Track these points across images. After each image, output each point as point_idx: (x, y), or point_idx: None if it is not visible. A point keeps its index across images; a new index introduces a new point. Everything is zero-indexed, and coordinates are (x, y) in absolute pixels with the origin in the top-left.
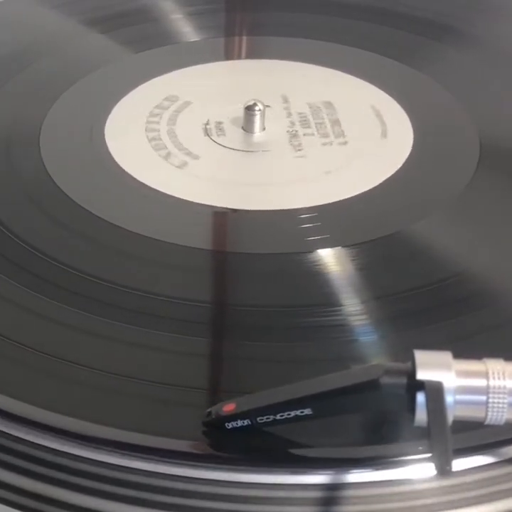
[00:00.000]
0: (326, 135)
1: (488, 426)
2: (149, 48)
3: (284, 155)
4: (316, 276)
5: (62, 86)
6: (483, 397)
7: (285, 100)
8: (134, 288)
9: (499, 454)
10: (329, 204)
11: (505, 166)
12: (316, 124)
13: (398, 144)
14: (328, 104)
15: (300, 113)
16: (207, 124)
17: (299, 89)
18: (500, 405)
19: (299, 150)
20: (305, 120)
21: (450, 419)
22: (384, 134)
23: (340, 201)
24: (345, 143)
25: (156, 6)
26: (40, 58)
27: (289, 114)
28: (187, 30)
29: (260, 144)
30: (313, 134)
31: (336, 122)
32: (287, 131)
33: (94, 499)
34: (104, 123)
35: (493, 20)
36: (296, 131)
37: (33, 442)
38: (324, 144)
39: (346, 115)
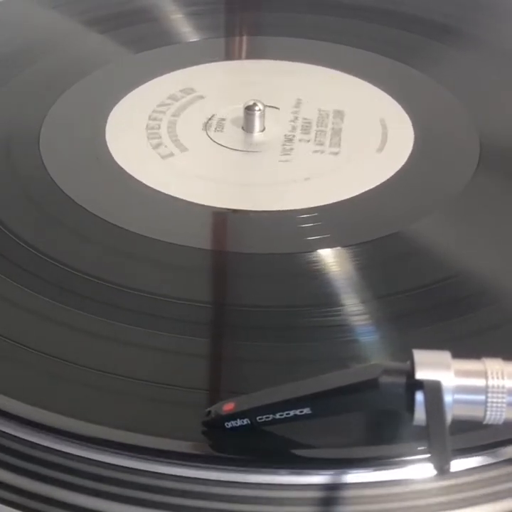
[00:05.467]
0: (321, 143)
1: (487, 425)
2: (151, 48)
3: (270, 157)
4: (316, 276)
5: (62, 86)
6: (482, 397)
7: (297, 104)
8: (134, 288)
9: (499, 454)
10: (329, 204)
11: (505, 166)
12: (316, 131)
13: (397, 151)
14: (339, 113)
15: (305, 118)
16: (209, 120)
17: (313, 93)
18: (499, 405)
19: (287, 154)
20: (308, 126)
21: (449, 418)
22: (380, 149)
23: (340, 201)
24: (337, 153)
25: (156, 5)
26: (40, 58)
27: (295, 119)
28: (187, 30)
29: (253, 144)
30: (308, 141)
31: (337, 132)
32: (285, 135)
33: (93, 499)
34: (105, 123)
35: (493, 20)
36: (294, 135)
37: (32, 442)
38: (315, 152)
39: (352, 126)
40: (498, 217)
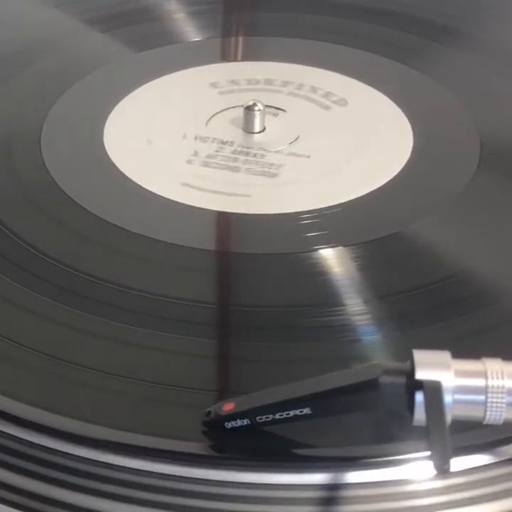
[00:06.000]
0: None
1: (487, 425)
2: (152, 48)
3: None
4: (317, 277)
5: (63, 85)
6: (482, 397)
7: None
8: (134, 288)
9: (499, 454)
10: (330, 205)
11: (505, 166)
12: (245, 160)
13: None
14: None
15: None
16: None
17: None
18: (499, 405)
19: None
20: (249, 152)
21: (449, 418)
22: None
23: (341, 203)
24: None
25: (157, 5)
26: (40, 58)
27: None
28: (189, 30)
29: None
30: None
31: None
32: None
33: (93, 499)
34: (105, 122)
35: (493, 20)
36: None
37: (32, 442)
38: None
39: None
40: (498, 217)
